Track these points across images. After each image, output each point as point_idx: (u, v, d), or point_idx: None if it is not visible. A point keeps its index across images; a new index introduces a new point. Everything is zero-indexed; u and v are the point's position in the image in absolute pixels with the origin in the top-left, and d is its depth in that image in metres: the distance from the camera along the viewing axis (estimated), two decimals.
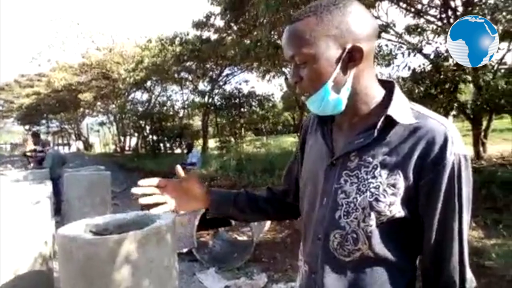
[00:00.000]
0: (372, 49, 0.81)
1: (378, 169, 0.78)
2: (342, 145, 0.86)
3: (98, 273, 1.99)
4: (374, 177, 0.78)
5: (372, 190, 0.77)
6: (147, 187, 0.97)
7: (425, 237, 0.79)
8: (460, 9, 6.13)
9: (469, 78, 5.59)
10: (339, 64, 0.78)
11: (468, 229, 0.79)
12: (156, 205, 0.98)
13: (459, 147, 0.75)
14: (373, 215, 0.77)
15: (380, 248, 0.79)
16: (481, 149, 6.65)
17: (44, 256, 3.02)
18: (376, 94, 0.83)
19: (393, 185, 0.76)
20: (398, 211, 0.77)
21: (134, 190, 0.96)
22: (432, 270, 0.80)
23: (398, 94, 0.82)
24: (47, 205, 3.20)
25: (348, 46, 0.77)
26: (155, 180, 0.98)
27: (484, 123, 6.72)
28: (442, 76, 5.94)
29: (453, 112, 6.67)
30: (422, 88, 6.13)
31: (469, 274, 0.79)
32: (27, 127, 32.72)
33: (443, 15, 6.55)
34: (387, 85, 0.85)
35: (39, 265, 2.94)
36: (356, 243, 0.80)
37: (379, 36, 5.94)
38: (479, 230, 3.99)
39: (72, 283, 2.08)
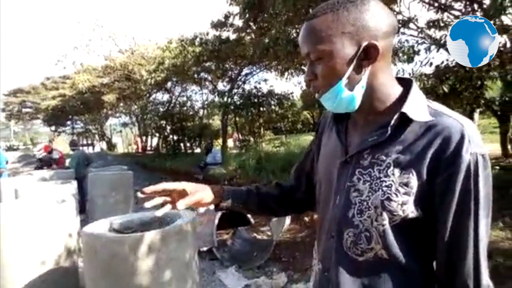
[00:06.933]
0: (390, 46, 0.80)
1: (391, 167, 0.76)
2: (356, 143, 0.85)
3: (121, 270, 2.04)
4: (386, 175, 0.77)
5: (384, 189, 0.76)
6: (151, 194, 0.94)
7: (438, 238, 0.75)
8: (487, 2, 5.90)
9: (496, 74, 5.39)
10: (354, 62, 0.77)
11: (488, 232, 0.75)
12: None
13: (477, 146, 0.71)
14: (385, 214, 0.76)
15: (393, 248, 0.77)
16: (509, 146, 6.42)
17: (70, 253, 3.12)
18: (393, 91, 0.82)
19: (406, 184, 0.75)
20: (411, 211, 0.75)
21: (140, 194, 0.93)
22: (444, 273, 0.77)
23: (415, 92, 0.80)
24: (72, 204, 3.30)
25: (364, 43, 0.76)
26: (160, 186, 0.95)
27: None
28: (467, 72, 5.75)
29: (479, 109, 6.45)
30: (446, 85, 5.94)
31: (485, 280, 0.74)
32: (53, 128, 33.80)
33: (469, 9, 6.33)
34: (405, 83, 0.84)
35: (65, 261, 3.04)
36: (369, 242, 0.78)
37: (400, 31, 5.80)
38: (507, 231, 3.85)
39: (96, 279, 2.14)
